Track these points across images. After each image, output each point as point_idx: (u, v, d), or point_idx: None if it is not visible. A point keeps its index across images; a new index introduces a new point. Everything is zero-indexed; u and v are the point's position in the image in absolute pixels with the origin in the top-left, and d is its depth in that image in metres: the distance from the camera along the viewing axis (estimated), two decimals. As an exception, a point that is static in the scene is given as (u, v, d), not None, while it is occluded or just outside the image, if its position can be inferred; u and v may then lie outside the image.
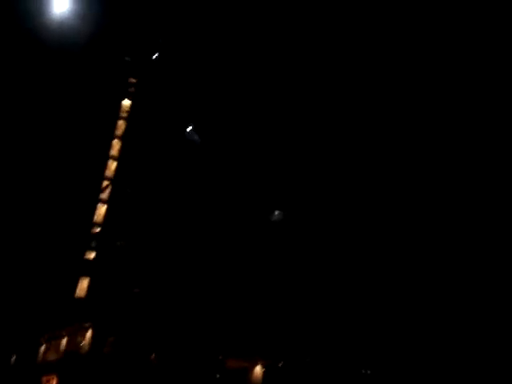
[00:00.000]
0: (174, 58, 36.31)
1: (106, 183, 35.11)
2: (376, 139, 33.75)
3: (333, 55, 34.33)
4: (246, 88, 36.62)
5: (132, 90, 35.73)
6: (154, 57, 36.11)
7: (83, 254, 33.90)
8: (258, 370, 33.20)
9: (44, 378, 29.49)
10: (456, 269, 30.27)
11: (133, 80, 35.74)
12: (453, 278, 30.35)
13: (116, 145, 35.92)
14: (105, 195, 34.98)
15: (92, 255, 34.10)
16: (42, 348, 31.81)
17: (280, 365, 34.45)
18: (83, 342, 30.44)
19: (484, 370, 27.73)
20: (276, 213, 36.48)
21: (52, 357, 30.84)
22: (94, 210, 34.69)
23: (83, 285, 33.41)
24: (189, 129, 36.69)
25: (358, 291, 33.48)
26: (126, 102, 35.99)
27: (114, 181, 35.22)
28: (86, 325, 30.75)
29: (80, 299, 32.76)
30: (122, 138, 35.99)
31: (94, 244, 34.11)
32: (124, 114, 36.08)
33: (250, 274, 34.63)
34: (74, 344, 30.37)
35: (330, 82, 34.76)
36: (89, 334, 30.65)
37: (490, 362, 27.60)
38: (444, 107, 31.44)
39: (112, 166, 35.59)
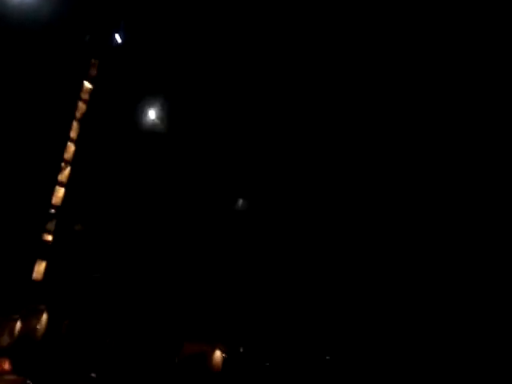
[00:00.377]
0: (137, 40, 35.91)
1: (64, 165, 34.36)
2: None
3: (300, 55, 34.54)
4: (211, 73, 36.48)
5: (93, 71, 35.05)
6: (116, 38, 35.61)
7: (40, 236, 33.12)
8: (218, 354, 33.15)
9: (-4, 362, 28.65)
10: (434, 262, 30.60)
11: (94, 61, 35.06)
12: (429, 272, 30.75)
13: (76, 127, 35.20)
14: (63, 178, 34.23)
15: (49, 238, 33.38)
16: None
17: (241, 350, 34.55)
18: (38, 326, 29.76)
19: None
20: (239, 202, 36.52)
21: (5, 340, 29.93)
22: (52, 192, 33.93)
23: (40, 267, 32.65)
24: (152, 116, 36.32)
25: (320, 280, 33.81)
26: (87, 84, 35.30)
27: (72, 164, 34.53)
28: (41, 307, 30.06)
29: (36, 282, 32.00)
30: (81, 121, 35.30)
31: (51, 226, 33.36)
32: (85, 96, 35.40)
33: (210, 261, 34.54)
34: (28, 327, 29.61)
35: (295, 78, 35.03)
36: (44, 317, 29.98)
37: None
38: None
39: (71, 148, 34.87)
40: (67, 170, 34.28)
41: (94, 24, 34.28)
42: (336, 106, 33.28)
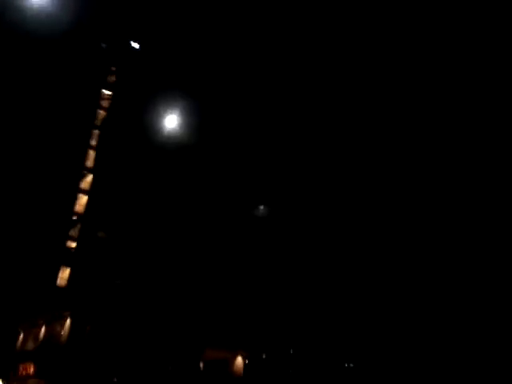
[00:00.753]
0: (154, 46, 36.15)
1: (86, 173, 34.89)
2: (368, 137, 33.64)
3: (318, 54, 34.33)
4: (231, 78, 36.41)
5: (112, 78, 35.50)
6: (134, 45, 35.96)
7: (64, 243, 33.74)
8: (239, 360, 32.97)
9: (21, 366, 29.31)
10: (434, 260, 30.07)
11: (113, 68, 35.48)
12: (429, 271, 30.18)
13: (96, 134, 35.72)
14: (85, 185, 34.78)
15: (73, 245, 33.95)
16: (21, 336, 31.63)
17: (264, 356, 34.21)
18: (62, 331, 30.22)
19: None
20: (260, 208, 36.27)
21: (30, 345, 30.64)
22: (75, 199, 34.51)
23: (64, 274, 33.23)
24: (172, 123, 36.35)
25: (340, 285, 33.19)
26: (106, 91, 35.79)
27: (94, 171, 35.01)
28: (65, 313, 30.51)
29: (60, 288, 32.59)
30: (101, 128, 35.78)
31: (74, 233, 33.92)
32: (104, 103, 35.90)
33: (232, 267, 34.36)
34: (52, 333, 30.14)
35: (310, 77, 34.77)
36: (67, 322, 30.43)
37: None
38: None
39: (92, 155, 35.38)
40: (89, 178, 34.82)
41: (111, 31, 34.74)
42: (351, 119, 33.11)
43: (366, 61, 33.29)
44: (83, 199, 34.58)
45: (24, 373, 28.86)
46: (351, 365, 32.80)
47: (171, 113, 35.83)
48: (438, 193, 30.95)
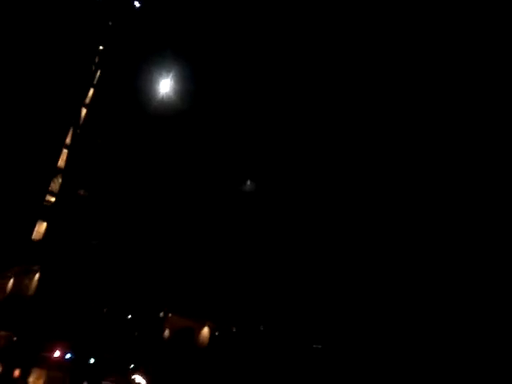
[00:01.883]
0: (156, 4, 35.11)
1: (73, 130, 34.37)
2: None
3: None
4: (233, 43, 35.50)
5: (107, 35, 34.57)
6: (136, 4, 34.92)
7: (44, 197, 33.50)
8: (206, 331, 32.99)
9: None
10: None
11: (109, 23, 34.52)
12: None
13: (90, 93, 35.08)
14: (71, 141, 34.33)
15: (53, 199, 33.72)
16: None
17: (233, 329, 34.23)
18: (29, 285, 30.34)
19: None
20: (245, 182, 35.80)
21: (-4, 296, 30.86)
22: (59, 154, 34.13)
23: (41, 228, 33.11)
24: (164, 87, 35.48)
25: (315, 262, 32.88)
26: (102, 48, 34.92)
27: (81, 128, 34.49)
28: (34, 267, 30.56)
29: (35, 242, 32.51)
30: (95, 87, 35.10)
31: (55, 188, 33.65)
32: (99, 61, 35.08)
33: (207, 237, 34.08)
34: (19, 286, 30.23)
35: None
36: (36, 277, 30.51)
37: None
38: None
39: (82, 113, 34.82)
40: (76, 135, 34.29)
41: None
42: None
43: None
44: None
45: (-12, 323, 29.06)
46: (319, 346, 32.80)
47: (165, 76, 34.91)
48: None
